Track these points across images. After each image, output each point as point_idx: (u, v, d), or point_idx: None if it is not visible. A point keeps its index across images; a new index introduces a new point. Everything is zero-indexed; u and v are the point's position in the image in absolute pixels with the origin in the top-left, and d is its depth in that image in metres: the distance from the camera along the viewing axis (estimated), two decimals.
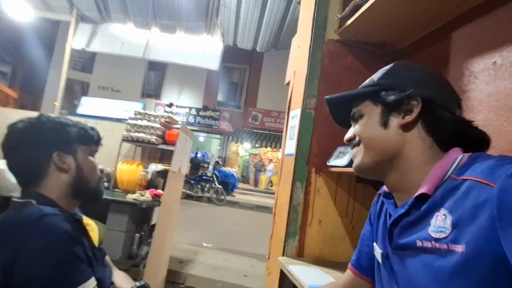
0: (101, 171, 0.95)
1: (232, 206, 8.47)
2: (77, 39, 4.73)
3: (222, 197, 8.40)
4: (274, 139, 12.50)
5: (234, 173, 10.32)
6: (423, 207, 0.52)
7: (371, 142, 0.61)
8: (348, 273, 0.78)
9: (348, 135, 0.67)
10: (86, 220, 0.98)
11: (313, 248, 1.37)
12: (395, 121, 0.59)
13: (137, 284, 0.98)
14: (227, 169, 10.70)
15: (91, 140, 0.92)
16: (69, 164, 0.86)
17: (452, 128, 0.56)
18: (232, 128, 12.90)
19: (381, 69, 0.64)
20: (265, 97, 12.91)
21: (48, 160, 0.83)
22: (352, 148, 0.67)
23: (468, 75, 1.05)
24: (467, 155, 0.53)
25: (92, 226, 1.05)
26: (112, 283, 0.98)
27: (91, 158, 0.92)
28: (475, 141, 0.57)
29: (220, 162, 10.56)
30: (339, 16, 1.39)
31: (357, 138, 0.64)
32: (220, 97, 13.65)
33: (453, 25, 1.13)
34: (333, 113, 0.74)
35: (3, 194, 1.89)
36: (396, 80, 0.61)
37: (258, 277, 2.72)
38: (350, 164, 1.22)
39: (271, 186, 14.01)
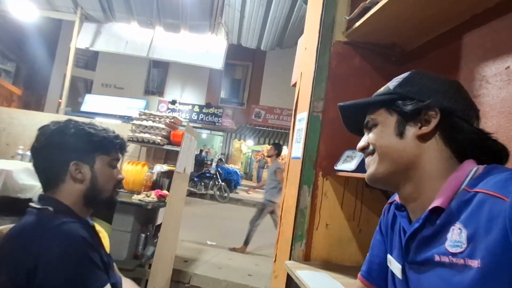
0: (120, 180, 0.95)
1: (236, 203, 8.49)
2: (81, 38, 4.72)
3: (225, 194, 8.42)
4: (277, 136, 12.48)
5: (237, 170, 10.33)
6: (438, 221, 0.51)
7: (386, 152, 0.59)
8: (359, 284, 0.77)
9: (361, 143, 0.65)
10: (98, 227, 0.98)
11: (320, 251, 1.37)
12: (411, 131, 0.57)
13: None
14: (230, 166, 10.72)
15: (113, 149, 0.92)
16: (84, 175, 0.86)
17: (471, 140, 0.55)
18: (235, 125, 12.89)
19: (397, 77, 0.63)
20: (268, 94, 12.87)
21: (65, 168, 0.84)
22: (366, 157, 0.65)
23: (480, 79, 1.03)
24: (482, 167, 0.51)
25: (103, 234, 1.05)
26: None
27: (109, 168, 0.91)
28: (494, 154, 0.56)
29: (223, 159, 10.59)
30: (347, 18, 1.37)
31: (371, 147, 0.62)
32: (223, 94, 13.64)
33: (465, 27, 1.11)
34: (345, 120, 0.73)
35: (10, 195, 1.90)
36: (413, 89, 0.59)
37: (263, 276, 2.73)
38: (358, 169, 1.21)
39: None
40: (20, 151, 2.64)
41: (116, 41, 4.93)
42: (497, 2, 0.99)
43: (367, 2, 1.18)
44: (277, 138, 12.39)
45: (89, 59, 13.84)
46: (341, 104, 0.70)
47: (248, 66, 13.51)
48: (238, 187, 10.21)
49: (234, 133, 12.80)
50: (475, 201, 0.47)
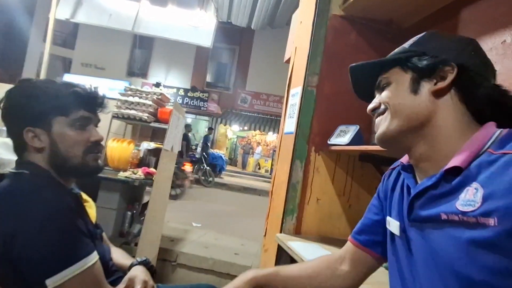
0: (95, 142, 0.81)
1: (220, 188, 8.50)
2: (60, 9, 4.42)
3: (210, 178, 8.40)
4: (263, 122, 12.46)
5: (223, 155, 10.30)
6: (455, 180, 0.50)
7: (399, 108, 0.57)
8: (348, 245, 0.76)
9: (372, 104, 0.63)
10: (85, 196, 0.93)
11: (311, 225, 1.39)
12: (426, 87, 0.56)
13: (138, 259, 0.96)
14: (215, 151, 10.65)
15: (74, 107, 0.78)
16: (42, 142, 0.76)
17: (488, 96, 0.54)
18: (220, 110, 12.75)
19: (413, 38, 0.61)
20: (255, 79, 12.74)
21: (21, 136, 0.75)
22: (376, 117, 0.62)
23: None
24: (506, 130, 0.50)
25: (90, 203, 1.01)
26: (111, 259, 0.96)
27: (72, 130, 0.77)
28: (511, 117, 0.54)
29: (208, 144, 10.51)
30: None
31: (382, 106, 0.60)
32: (208, 78, 13.38)
33: (463, 2, 1.11)
34: (355, 84, 0.69)
35: None
36: (429, 46, 0.58)
37: (249, 255, 2.76)
38: (351, 142, 1.22)
39: (259, 168, 14.10)
40: None
41: (99, 13, 4.65)
42: None
43: None
44: (263, 124, 12.37)
45: (67, 37, 13.13)
46: (353, 65, 0.66)
47: (235, 50, 13.26)
48: (223, 172, 10.20)
49: (219, 118, 12.67)
50: (500, 162, 0.46)
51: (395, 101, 0.58)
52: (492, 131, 0.51)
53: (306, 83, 1.39)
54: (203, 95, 12.65)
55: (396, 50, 0.63)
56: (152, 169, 2.27)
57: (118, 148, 2.35)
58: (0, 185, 0.72)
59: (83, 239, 0.71)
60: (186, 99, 12.54)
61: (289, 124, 1.47)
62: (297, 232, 1.36)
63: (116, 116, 2.40)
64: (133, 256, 2.12)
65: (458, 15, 1.14)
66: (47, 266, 0.64)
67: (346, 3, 1.35)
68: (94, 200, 2.11)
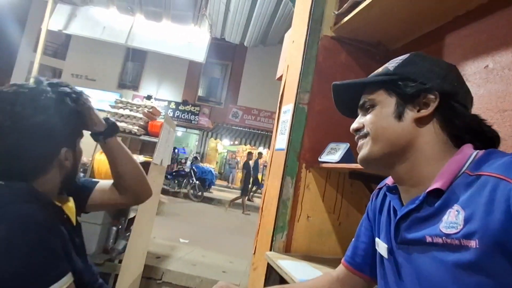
0: (84, 165, 0.88)
1: (209, 203, 8.37)
2: (53, 20, 4.40)
3: (199, 193, 8.28)
4: (253, 137, 12.49)
5: (212, 170, 10.21)
6: (437, 203, 0.51)
7: (382, 134, 0.58)
8: (342, 268, 0.76)
9: (356, 125, 0.64)
10: (68, 201, 0.87)
11: (301, 243, 1.37)
12: (410, 113, 0.57)
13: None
14: (205, 165, 10.57)
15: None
16: (70, 160, 0.76)
17: (468, 125, 0.56)
18: (211, 124, 12.75)
19: (396, 58, 0.62)
20: (247, 94, 12.87)
21: (53, 156, 0.72)
22: (358, 139, 0.64)
23: None
24: (481, 151, 0.52)
25: (69, 207, 0.93)
26: (93, 273, 0.88)
27: (79, 148, 0.83)
28: (488, 139, 0.57)
29: (198, 158, 10.42)
30: (336, 12, 1.39)
31: (364, 130, 0.61)
32: (200, 92, 13.45)
33: (448, 27, 1.16)
34: (337, 101, 0.71)
35: None
36: (414, 70, 0.58)
37: (237, 273, 2.70)
38: (341, 160, 1.22)
39: None
40: None
41: (93, 25, 4.66)
42: (478, 4, 1.04)
43: None
44: (254, 139, 12.41)
45: (58, 47, 13.08)
46: (337, 83, 0.67)
47: (228, 65, 13.44)
48: (213, 186, 10.09)
49: (210, 132, 12.65)
50: (477, 183, 0.47)
51: (378, 125, 0.59)
52: (469, 153, 0.52)
53: (297, 100, 1.40)
54: (195, 109, 12.67)
55: (380, 70, 0.63)
56: None
57: (106, 161, 2.29)
58: None
59: (54, 260, 0.64)
60: (177, 112, 12.53)
61: (280, 140, 1.48)
62: (287, 250, 1.34)
63: None
64: (116, 275, 2.04)
65: (443, 40, 1.19)
66: None
67: (336, 25, 1.39)
68: (78, 214, 2.04)
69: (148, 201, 2.19)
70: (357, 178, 1.34)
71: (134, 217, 2.13)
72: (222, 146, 15.05)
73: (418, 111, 0.57)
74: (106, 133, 0.88)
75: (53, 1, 4.06)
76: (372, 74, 0.65)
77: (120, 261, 2.11)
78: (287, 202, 1.36)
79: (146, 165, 2.28)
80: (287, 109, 1.47)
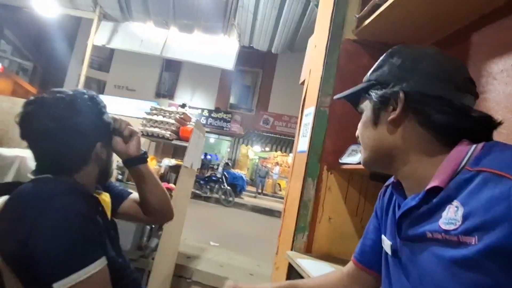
0: (121, 168, 0.99)
1: (240, 208, 8.48)
2: (98, 36, 4.87)
3: (230, 198, 8.41)
4: (284, 143, 12.48)
5: (243, 176, 10.34)
6: (435, 200, 0.50)
7: (367, 142, 0.61)
8: (351, 265, 0.77)
9: (356, 132, 0.67)
10: (104, 195, 0.98)
11: (322, 244, 1.38)
12: (384, 117, 0.57)
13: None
14: (236, 171, 10.74)
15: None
16: (104, 154, 0.86)
17: (447, 120, 0.53)
18: (243, 131, 12.95)
19: (377, 61, 0.63)
20: (277, 101, 12.94)
21: (91, 150, 0.82)
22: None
23: (487, 76, 1.05)
24: (480, 144, 0.50)
25: (106, 201, 1.04)
26: (125, 260, 0.96)
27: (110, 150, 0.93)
28: (479, 131, 0.54)
29: (229, 164, 10.61)
30: (357, 16, 1.41)
31: (359, 138, 0.65)
32: (232, 100, 13.75)
33: (474, 26, 1.13)
34: (352, 105, 0.73)
35: (23, 181, 1.95)
36: (381, 73, 0.59)
37: (264, 277, 2.72)
38: None
39: (280, 190, 13.90)
40: None
41: (132, 39, 5.08)
42: (504, 2, 1.01)
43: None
44: (285, 145, 12.38)
45: (103, 61, 14.18)
46: (336, 96, 0.72)
47: (258, 73, 13.63)
48: (244, 192, 10.20)
49: (241, 138, 12.85)
50: (477, 180, 0.46)
51: (363, 134, 0.62)
52: (466, 148, 0.51)
53: (319, 103, 1.43)
54: (226, 116, 12.97)
55: (365, 76, 0.65)
56: (171, 185, 2.35)
57: None
58: (23, 187, 0.77)
59: (92, 245, 0.74)
60: (210, 120, 12.91)
61: (302, 143, 1.50)
62: (308, 250, 1.36)
63: (141, 134, 2.55)
64: (149, 271, 2.16)
65: (469, 39, 1.15)
66: (56, 270, 0.67)
67: (358, 28, 1.41)
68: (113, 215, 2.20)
69: (179, 202, 2.31)
70: (378, 180, 1.32)
71: None
72: (253, 152, 15.19)
73: (391, 113, 0.57)
74: (141, 159, 0.96)
75: (98, 18, 4.46)
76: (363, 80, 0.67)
77: (153, 258, 2.24)
78: (308, 203, 1.38)
79: (177, 168, 2.42)
80: (309, 112, 1.50)
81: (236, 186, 9.52)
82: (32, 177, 0.80)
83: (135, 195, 1.04)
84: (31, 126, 0.77)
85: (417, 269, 0.52)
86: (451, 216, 0.47)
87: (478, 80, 1.07)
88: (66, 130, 0.77)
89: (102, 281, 0.74)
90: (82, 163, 0.82)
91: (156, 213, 1.03)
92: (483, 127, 0.55)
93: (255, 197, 9.70)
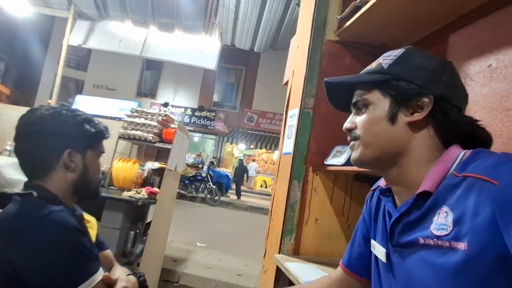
0: (103, 173, 0.97)
1: (226, 207, 8.45)
2: (74, 36, 4.68)
3: (217, 197, 8.38)
4: (269, 140, 12.52)
5: (229, 174, 10.30)
6: (425, 205, 0.51)
7: (371, 139, 0.57)
8: (339, 271, 0.77)
9: (348, 124, 0.62)
10: (87, 216, 0.98)
11: (309, 246, 1.38)
12: (403, 116, 0.55)
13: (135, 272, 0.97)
14: (221, 169, 10.68)
15: (102, 141, 0.93)
16: (77, 164, 0.85)
17: (461, 128, 0.55)
18: (227, 129, 12.89)
19: (390, 53, 0.59)
20: (261, 98, 12.94)
21: (58, 156, 0.82)
22: (351, 141, 0.62)
23: (464, 77, 1.07)
24: (469, 151, 0.51)
25: (92, 223, 1.04)
26: None
27: (97, 159, 0.92)
28: (480, 141, 0.56)
29: (214, 163, 10.54)
30: (338, 17, 1.41)
31: (357, 133, 0.59)
32: (215, 98, 13.65)
33: (451, 27, 1.15)
34: (330, 96, 0.68)
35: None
36: (408, 69, 0.55)
37: (253, 277, 2.72)
38: (347, 163, 1.23)
39: (265, 187, 13.96)
40: (8, 147, 2.59)
41: (110, 39, 4.92)
42: (481, 3, 1.03)
43: (357, 1, 1.22)
44: (270, 143, 12.42)
45: (80, 60, 13.71)
46: (329, 80, 0.64)
47: (242, 70, 13.58)
48: (229, 190, 10.18)
49: (226, 136, 12.78)
50: (463, 185, 0.46)
51: (371, 129, 0.57)
52: (456, 154, 0.52)
53: (303, 104, 1.43)
54: (210, 114, 12.87)
55: (373, 67, 0.60)
56: (155, 189, 2.30)
57: (123, 168, 2.40)
58: (8, 209, 0.76)
59: (90, 257, 0.75)
60: (194, 118, 12.76)
61: (287, 144, 1.50)
62: (296, 252, 1.36)
63: (122, 137, 2.48)
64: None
65: (447, 40, 1.18)
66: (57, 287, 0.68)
67: (340, 29, 1.41)
68: (98, 219, 2.15)
69: (164, 206, 2.27)
70: (363, 180, 1.34)
71: (151, 221, 2.21)
72: (238, 150, 15.15)
73: (412, 114, 0.55)
74: None
75: (73, 17, 4.29)
76: (365, 70, 0.62)
77: (138, 265, 2.20)
78: (295, 205, 1.38)
79: (161, 171, 2.37)
80: (293, 113, 1.49)
81: (222, 185, 9.48)
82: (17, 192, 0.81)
83: (108, 252, 1.07)
84: (17, 133, 0.83)
85: (407, 274, 0.53)
86: (441, 222, 0.47)
87: None
88: (36, 133, 0.80)
89: None
90: (48, 167, 0.82)
91: None
92: (483, 141, 0.56)
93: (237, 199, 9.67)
